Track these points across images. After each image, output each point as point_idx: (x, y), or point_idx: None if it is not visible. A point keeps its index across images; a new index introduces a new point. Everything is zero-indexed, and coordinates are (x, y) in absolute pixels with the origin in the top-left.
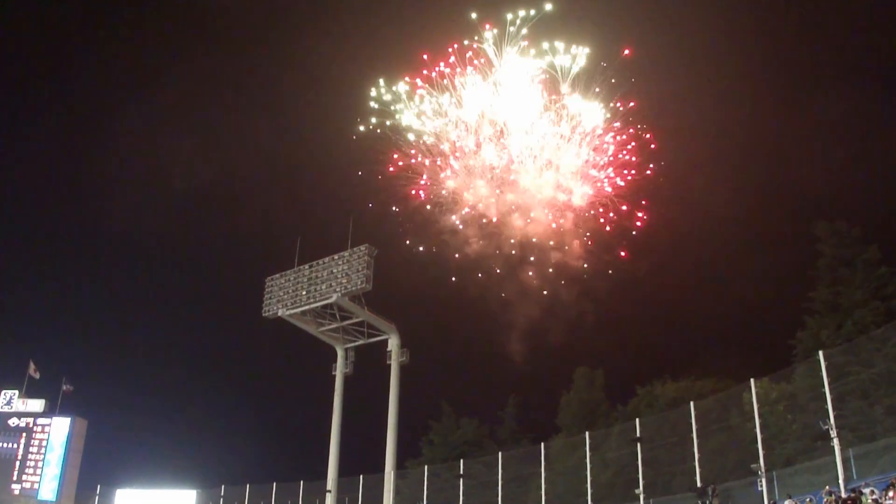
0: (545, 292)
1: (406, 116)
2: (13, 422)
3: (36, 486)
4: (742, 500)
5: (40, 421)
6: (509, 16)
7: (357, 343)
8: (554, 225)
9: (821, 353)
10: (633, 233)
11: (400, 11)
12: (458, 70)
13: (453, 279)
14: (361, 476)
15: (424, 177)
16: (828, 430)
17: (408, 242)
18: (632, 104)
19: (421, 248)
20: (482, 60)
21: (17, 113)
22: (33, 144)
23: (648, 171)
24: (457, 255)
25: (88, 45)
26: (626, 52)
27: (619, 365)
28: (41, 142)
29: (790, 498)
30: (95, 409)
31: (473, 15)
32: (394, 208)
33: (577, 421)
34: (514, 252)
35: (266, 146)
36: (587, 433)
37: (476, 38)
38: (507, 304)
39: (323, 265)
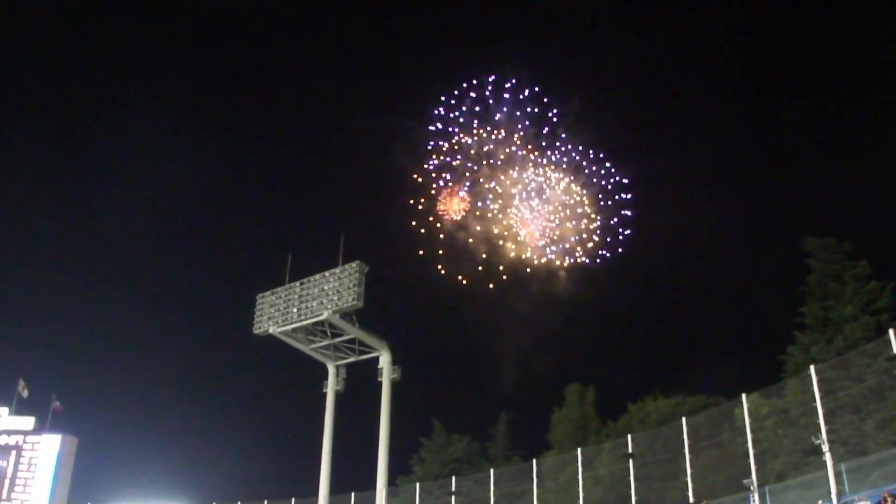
0: (535, 313)
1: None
2: (2, 439)
3: (26, 503)
4: None
5: (30, 438)
6: None
7: (348, 360)
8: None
9: (812, 367)
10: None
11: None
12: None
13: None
14: (353, 494)
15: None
16: (820, 444)
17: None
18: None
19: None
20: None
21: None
22: (22, 163)
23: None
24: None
25: (85, 56)
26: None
27: (611, 381)
28: (30, 161)
29: None
30: (86, 426)
31: None
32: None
33: (569, 437)
34: (504, 277)
35: (257, 162)
36: (579, 450)
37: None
38: (498, 323)
39: (314, 282)
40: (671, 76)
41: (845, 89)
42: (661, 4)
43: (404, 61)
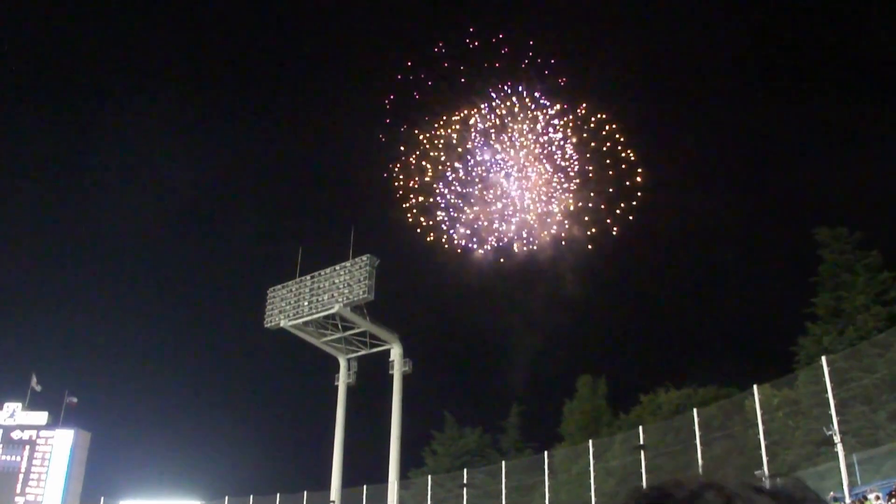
0: (546, 305)
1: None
2: (16, 434)
3: (40, 498)
4: None
5: (43, 433)
6: None
7: (359, 353)
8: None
9: (824, 358)
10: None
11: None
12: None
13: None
14: (365, 486)
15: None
16: (831, 435)
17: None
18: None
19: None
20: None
21: (16, 128)
22: (34, 157)
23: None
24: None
25: (90, 48)
26: None
27: (622, 373)
28: (41, 154)
29: None
30: (98, 421)
31: None
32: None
33: (581, 429)
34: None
35: (268, 156)
36: (590, 441)
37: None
38: (509, 316)
39: (325, 276)
40: (681, 68)
41: (857, 80)
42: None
43: (412, 53)
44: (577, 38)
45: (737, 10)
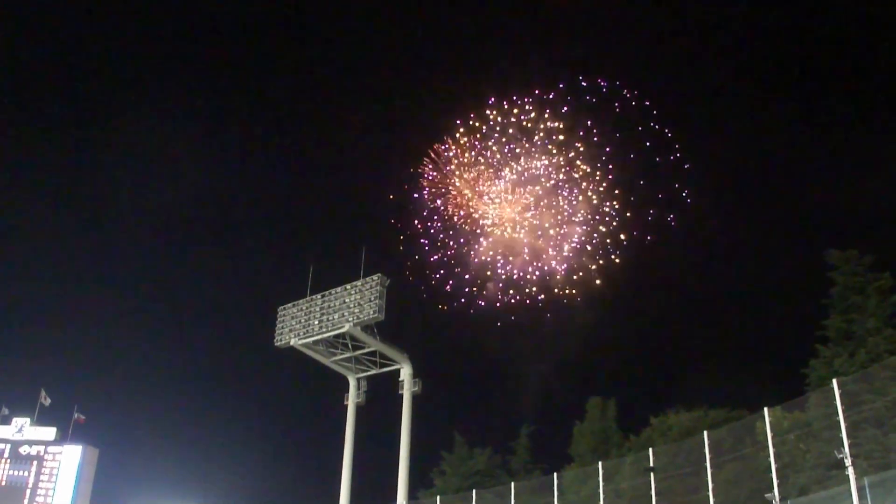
0: (556, 326)
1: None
2: (24, 450)
3: None
4: None
5: (51, 449)
6: None
7: (369, 373)
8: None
9: (835, 381)
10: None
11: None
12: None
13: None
14: None
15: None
16: (842, 458)
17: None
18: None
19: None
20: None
21: (28, 141)
22: (44, 172)
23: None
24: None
25: (103, 60)
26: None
27: (632, 395)
28: (52, 170)
29: None
30: (107, 437)
31: None
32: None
33: (591, 451)
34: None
35: (280, 174)
36: (600, 463)
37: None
38: (519, 337)
39: (335, 295)
40: (691, 84)
41: (868, 100)
42: (687, 16)
43: (431, 76)
44: (590, 65)
45: (750, 24)
